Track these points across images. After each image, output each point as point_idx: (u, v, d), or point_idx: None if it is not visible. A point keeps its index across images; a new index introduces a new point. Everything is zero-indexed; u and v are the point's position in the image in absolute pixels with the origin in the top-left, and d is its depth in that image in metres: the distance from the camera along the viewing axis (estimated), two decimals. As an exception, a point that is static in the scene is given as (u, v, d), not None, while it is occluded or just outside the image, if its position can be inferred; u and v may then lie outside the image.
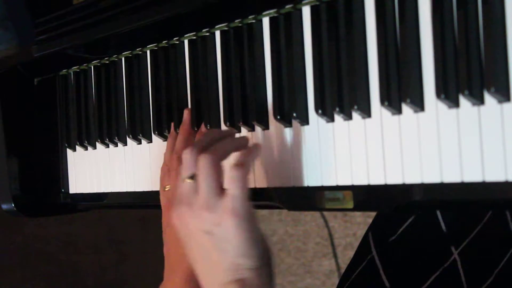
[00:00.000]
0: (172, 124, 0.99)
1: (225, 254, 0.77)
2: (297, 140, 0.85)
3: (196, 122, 0.96)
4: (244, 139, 0.84)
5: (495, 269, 0.89)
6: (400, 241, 0.98)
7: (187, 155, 0.80)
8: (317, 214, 2.12)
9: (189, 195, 0.80)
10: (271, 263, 0.80)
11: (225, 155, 0.81)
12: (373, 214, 1.05)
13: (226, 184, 0.78)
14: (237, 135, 0.90)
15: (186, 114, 0.97)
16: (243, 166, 0.78)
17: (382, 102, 0.75)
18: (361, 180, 0.78)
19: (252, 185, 0.89)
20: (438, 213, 0.95)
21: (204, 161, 0.78)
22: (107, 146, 1.12)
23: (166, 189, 0.95)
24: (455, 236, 0.94)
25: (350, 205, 0.79)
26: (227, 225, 0.76)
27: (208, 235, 0.78)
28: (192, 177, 0.79)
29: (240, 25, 0.91)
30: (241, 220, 0.76)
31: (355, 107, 0.77)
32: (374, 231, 1.02)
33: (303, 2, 0.84)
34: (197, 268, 0.81)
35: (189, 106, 0.98)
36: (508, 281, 0.89)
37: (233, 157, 0.81)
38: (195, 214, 0.78)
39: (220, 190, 0.78)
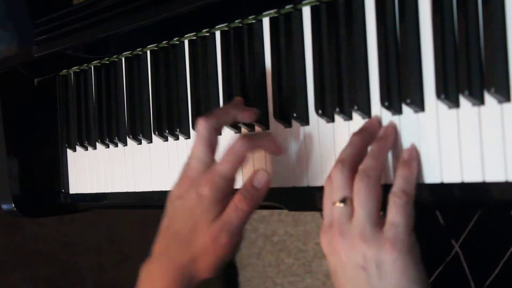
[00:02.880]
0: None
1: None
2: (297, 141, 0.85)
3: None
4: (389, 134, 0.73)
5: (501, 260, 0.88)
6: None
7: (338, 175, 0.71)
8: (317, 214, 2.12)
9: (341, 221, 0.70)
10: None
11: (381, 170, 0.72)
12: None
13: (388, 210, 0.69)
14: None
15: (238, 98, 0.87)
16: (407, 193, 0.69)
17: (382, 102, 0.75)
18: (361, 180, 0.78)
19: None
20: None
21: (362, 185, 0.69)
22: (107, 146, 1.12)
23: (193, 156, 0.82)
24: (454, 228, 0.93)
25: (350, 205, 0.79)
26: (385, 258, 0.67)
27: (362, 271, 0.69)
28: (344, 200, 0.71)
29: (240, 25, 0.91)
30: (402, 255, 0.67)
31: (355, 107, 0.77)
32: None
33: (303, 2, 0.84)
34: None
35: (189, 106, 0.98)
36: None
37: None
38: (349, 244, 0.69)
39: (379, 219, 0.69)
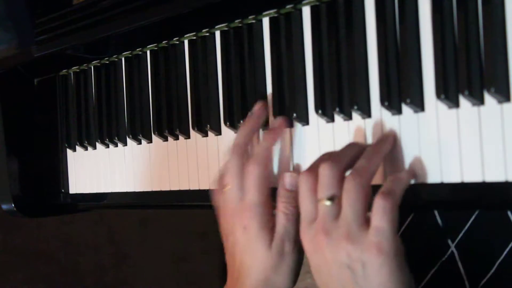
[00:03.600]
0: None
1: None
2: (298, 141, 0.85)
3: (196, 122, 0.96)
4: (388, 142, 0.73)
5: (497, 260, 0.88)
6: (402, 240, 0.98)
7: (326, 171, 0.71)
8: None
9: (326, 220, 0.70)
10: None
11: (373, 176, 0.71)
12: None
13: (372, 215, 0.68)
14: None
15: (257, 106, 0.87)
16: (392, 195, 0.68)
17: (382, 102, 0.75)
18: (361, 180, 0.78)
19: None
20: None
21: (353, 184, 0.69)
22: (107, 146, 1.12)
23: (226, 189, 0.84)
24: (451, 228, 0.93)
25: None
26: (371, 262, 0.67)
27: (347, 270, 0.69)
28: (332, 198, 0.70)
29: (240, 25, 0.91)
30: (387, 259, 0.67)
31: (355, 107, 0.77)
32: None
33: (303, 2, 0.84)
34: None
35: (189, 106, 0.98)
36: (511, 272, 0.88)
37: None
38: (334, 243, 0.69)
39: (365, 219, 0.69)
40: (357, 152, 0.74)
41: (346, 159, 0.73)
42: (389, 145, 0.73)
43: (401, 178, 0.70)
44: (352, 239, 0.68)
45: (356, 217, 0.69)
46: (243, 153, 0.84)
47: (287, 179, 0.80)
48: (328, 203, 0.70)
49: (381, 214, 0.68)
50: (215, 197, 0.87)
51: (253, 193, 0.82)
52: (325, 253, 0.70)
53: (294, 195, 0.80)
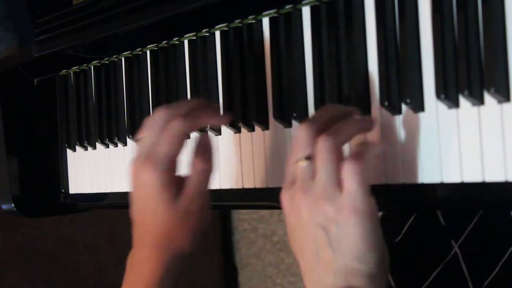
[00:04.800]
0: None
1: (338, 254, 0.68)
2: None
3: (196, 122, 0.96)
4: (369, 121, 0.74)
5: (500, 260, 0.88)
6: (405, 241, 0.98)
7: (303, 132, 0.71)
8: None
9: (304, 179, 0.70)
10: (387, 270, 0.70)
11: (348, 139, 0.72)
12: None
13: (343, 178, 0.69)
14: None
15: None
16: (361, 158, 0.69)
17: (382, 102, 0.75)
18: (361, 180, 0.78)
19: (252, 185, 0.89)
20: None
21: (325, 144, 0.69)
22: (107, 146, 1.12)
23: (140, 139, 0.82)
24: (454, 229, 0.93)
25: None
26: (345, 223, 0.68)
27: (322, 231, 0.69)
28: (308, 158, 0.70)
29: (240, 25, 0.91)
30: (361, 219, 0.67)
31: (355, 107, 0.77)
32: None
33: (303, 2, 0.84)
34: (302, 262, 0.72)
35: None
36: None
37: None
38: (311, 202, 0.69)
39: (339, 181, 0.69)
40: (336, 113, 0.74)
41: (324, 119, 0.72)
42: (369, 125, 0.74)
43: (367, 144, 0.71)
44: (328, 199, 0.68)
45: (329, 178, 0.69)
46: (168, 112, 0.81)
47: (202, 138, 0.82)
48: (304, 163, 0.70)
49: (350, 177, 0.68)
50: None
51: (163, 145, 0.79)
52: (302, 212, 0.70)
53: (209, 153, 0.81)
